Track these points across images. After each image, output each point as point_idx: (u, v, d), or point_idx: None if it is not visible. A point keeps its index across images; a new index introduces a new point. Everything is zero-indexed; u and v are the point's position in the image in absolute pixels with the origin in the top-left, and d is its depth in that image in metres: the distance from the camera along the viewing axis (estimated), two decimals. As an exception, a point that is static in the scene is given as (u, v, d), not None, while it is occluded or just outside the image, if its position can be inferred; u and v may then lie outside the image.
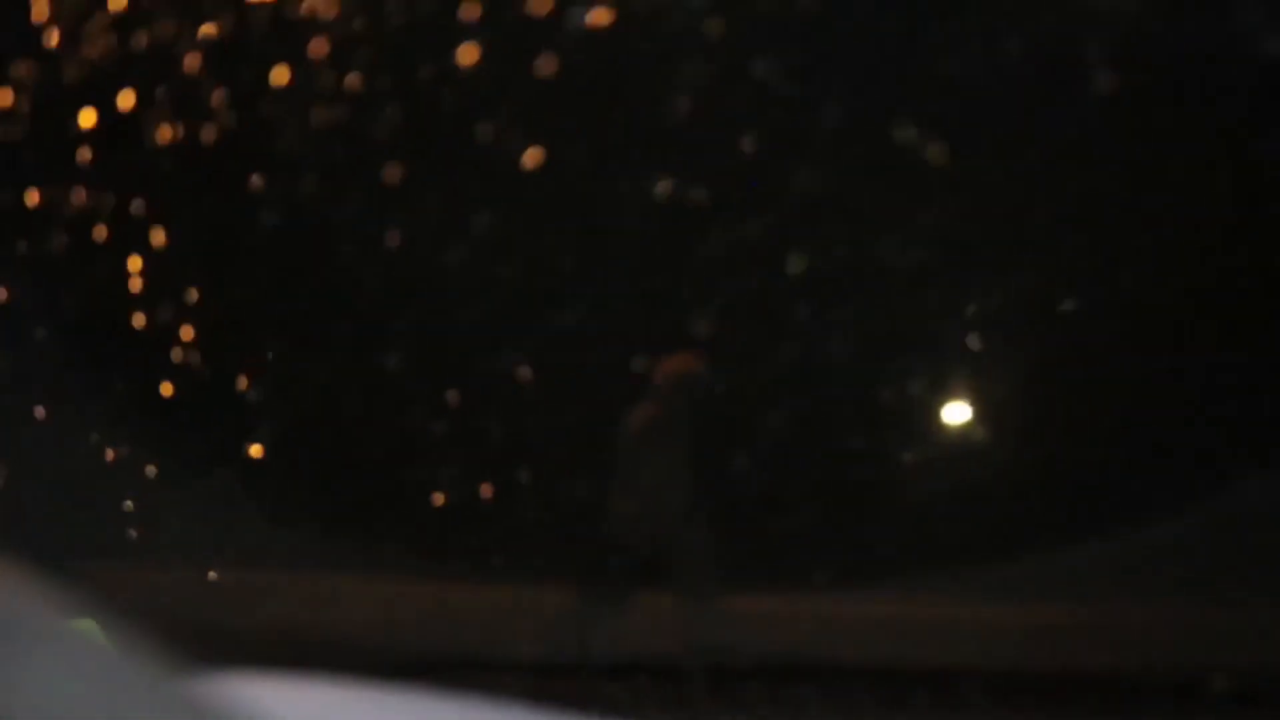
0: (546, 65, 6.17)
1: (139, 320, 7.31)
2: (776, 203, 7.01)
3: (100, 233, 7.09)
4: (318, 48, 5.72)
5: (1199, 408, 8.26)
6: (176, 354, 7.39)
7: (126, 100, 6.52)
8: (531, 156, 6.40)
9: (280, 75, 6.36)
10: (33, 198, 6.84)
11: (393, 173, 6.64)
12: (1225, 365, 8.09)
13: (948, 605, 7.40)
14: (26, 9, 6.08)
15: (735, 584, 7.07)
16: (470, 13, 6.01)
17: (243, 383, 7.81)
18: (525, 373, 7.67)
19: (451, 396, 7.43)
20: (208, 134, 6.92)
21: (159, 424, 7.99)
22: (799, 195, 6.78)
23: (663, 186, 6.87)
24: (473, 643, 6.08)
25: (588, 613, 6.30)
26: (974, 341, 8.80)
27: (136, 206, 7.02)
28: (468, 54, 6.27)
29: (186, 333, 7.42)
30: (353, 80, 6.27)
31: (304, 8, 5.89)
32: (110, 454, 8.04)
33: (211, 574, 7.85)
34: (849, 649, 6.15)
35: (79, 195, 6.89)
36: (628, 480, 6.64)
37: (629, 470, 6.73)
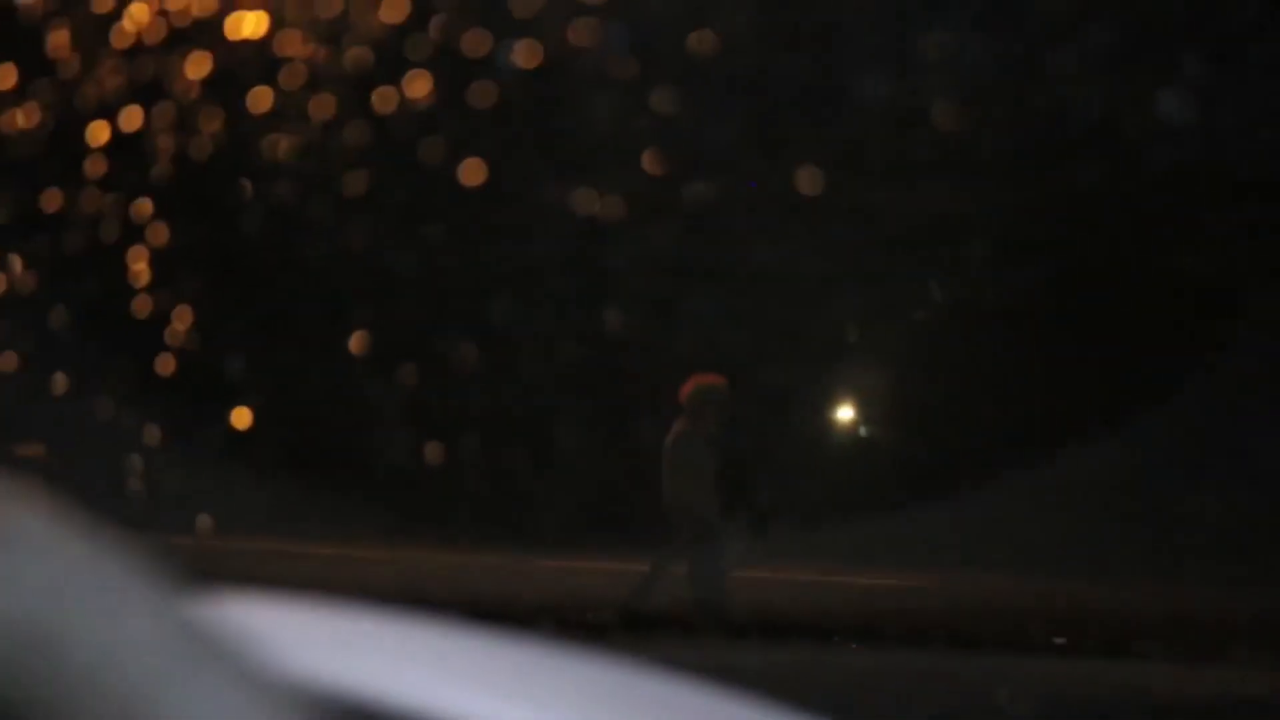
0: (483, 96, 7.30)
1: (134, 309, 8.30)
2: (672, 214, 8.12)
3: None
4: (289, 79, 6.73)
5: (1021, 399, 9.43)
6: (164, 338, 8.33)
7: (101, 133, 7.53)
8: (469, 172, 7.50)
9: (254, 103, 7.39)
10: (44, 203, 7.89)
11: (354, 186, 7.73)
12: (1046, 360, 9.22)
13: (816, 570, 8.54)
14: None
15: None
16: (420, 52, 7.15)
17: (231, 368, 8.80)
18: (467, 355, 8.74)
19: (404, 374, 8.40)
20: (190, 153, 7.87)
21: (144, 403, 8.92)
22: (694, 208, 7.88)
23: (579, 199, 7.95)
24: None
25: (652, 574, 6.98)
26: (843, 339, 9.90)
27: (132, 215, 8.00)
28: (418, 85, 7.39)
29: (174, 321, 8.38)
30: (316, 107, 7.32)
31: (279, 48, 6.92)
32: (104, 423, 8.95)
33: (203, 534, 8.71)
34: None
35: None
36: (675, 476, 7.08)
37: (674, 469, 7.09)
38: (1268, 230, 8.54)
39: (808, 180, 7.53)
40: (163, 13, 7.12)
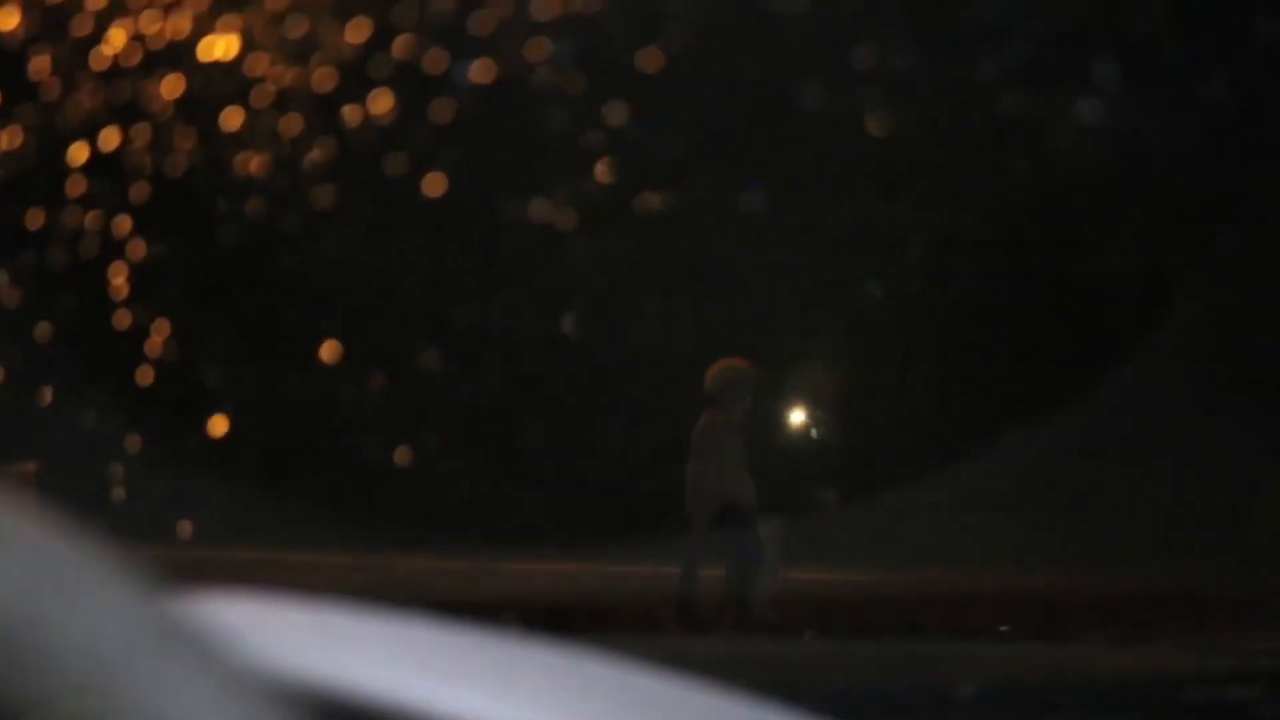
0: (443, 111, 7.61)
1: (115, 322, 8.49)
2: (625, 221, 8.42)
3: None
4: (258, 99, 7.05)
5: (954, 395, 9.81)
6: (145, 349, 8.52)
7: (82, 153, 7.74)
8: (432, 183, 7.80)
9: (227, 121, 7.66)
10: (27, 221, 8.13)
11: (322, 198, 8.02)
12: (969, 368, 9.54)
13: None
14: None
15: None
16: (382, 71, 7.45)
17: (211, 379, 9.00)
18: (434, 361, 9.01)
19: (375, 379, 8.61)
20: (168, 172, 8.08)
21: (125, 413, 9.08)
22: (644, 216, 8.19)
23: (535, 209, 8.27)
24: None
25: (687, 563, 6.89)
26: (783, 339, 10.21)
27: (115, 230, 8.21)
28: (381, 101, 7.69)
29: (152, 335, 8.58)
30: (285, 123, 7.61)
31: (250, 69, 7.19)
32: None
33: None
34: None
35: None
36: (702, 466, 6.95)
37: (701, 458, 6.96)
38: (1190, 226, 8.93)
39: (755, 188, 7.94)
40: (138, 37, 7.41)
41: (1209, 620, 6.65)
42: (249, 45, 7.68)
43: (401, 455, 9.14)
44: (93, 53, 7.78)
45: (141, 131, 7.91)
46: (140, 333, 9.04)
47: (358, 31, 7.53)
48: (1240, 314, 9.53)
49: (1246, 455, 9.38)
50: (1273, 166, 8.91)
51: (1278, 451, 9.34)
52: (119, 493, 9.81)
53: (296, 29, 7.61)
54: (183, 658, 0.70)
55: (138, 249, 8.62)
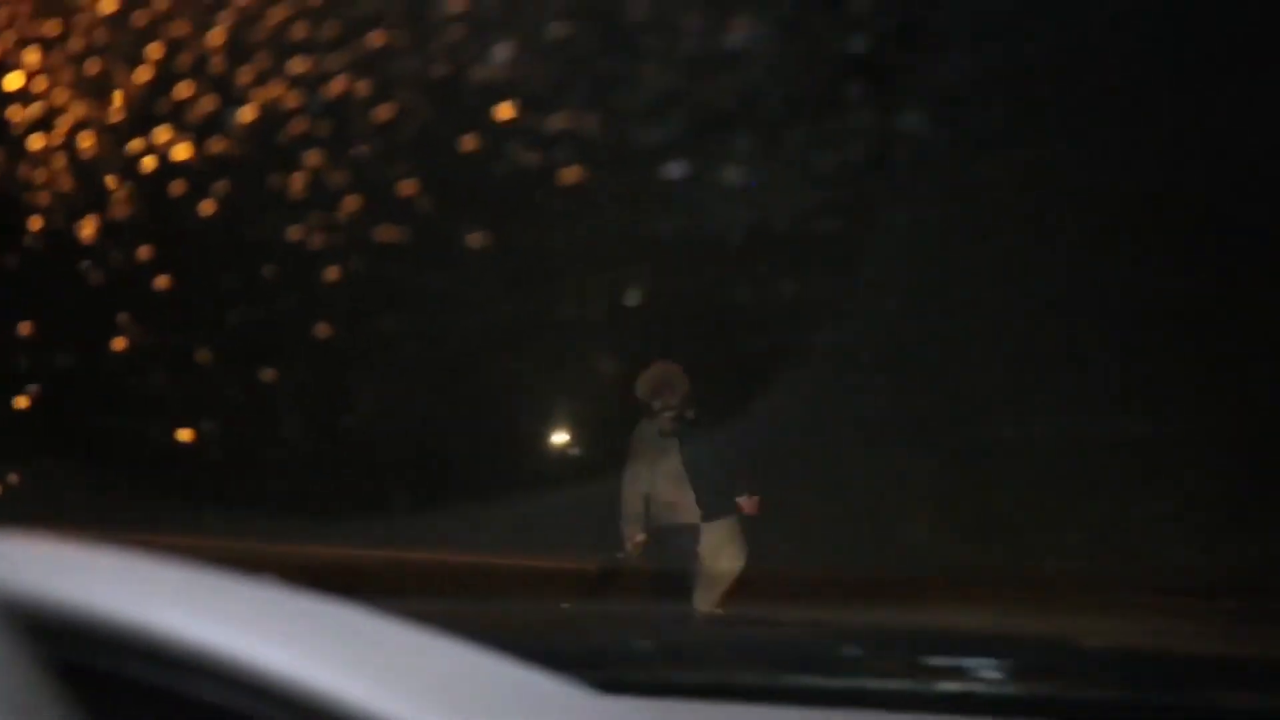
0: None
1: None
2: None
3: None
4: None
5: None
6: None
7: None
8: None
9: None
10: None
11: (118, 209, 8.51)
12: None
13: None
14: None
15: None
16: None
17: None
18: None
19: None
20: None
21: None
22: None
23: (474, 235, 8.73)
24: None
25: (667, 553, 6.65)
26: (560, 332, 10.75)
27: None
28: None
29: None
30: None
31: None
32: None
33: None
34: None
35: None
36: (636, 476, 6.64)
37: (634, 468, 6.64)
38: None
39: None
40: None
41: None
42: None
43: (187, 434, 9.74)
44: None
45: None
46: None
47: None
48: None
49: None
50: None
51: None
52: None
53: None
54: None
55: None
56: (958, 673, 1.96)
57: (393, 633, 1.34)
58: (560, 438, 11.99)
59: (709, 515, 6.69)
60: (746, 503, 6.52)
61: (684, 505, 6.64)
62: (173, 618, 1.21)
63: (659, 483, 6.67)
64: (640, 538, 6.72)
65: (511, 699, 1.37)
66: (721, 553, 6.68)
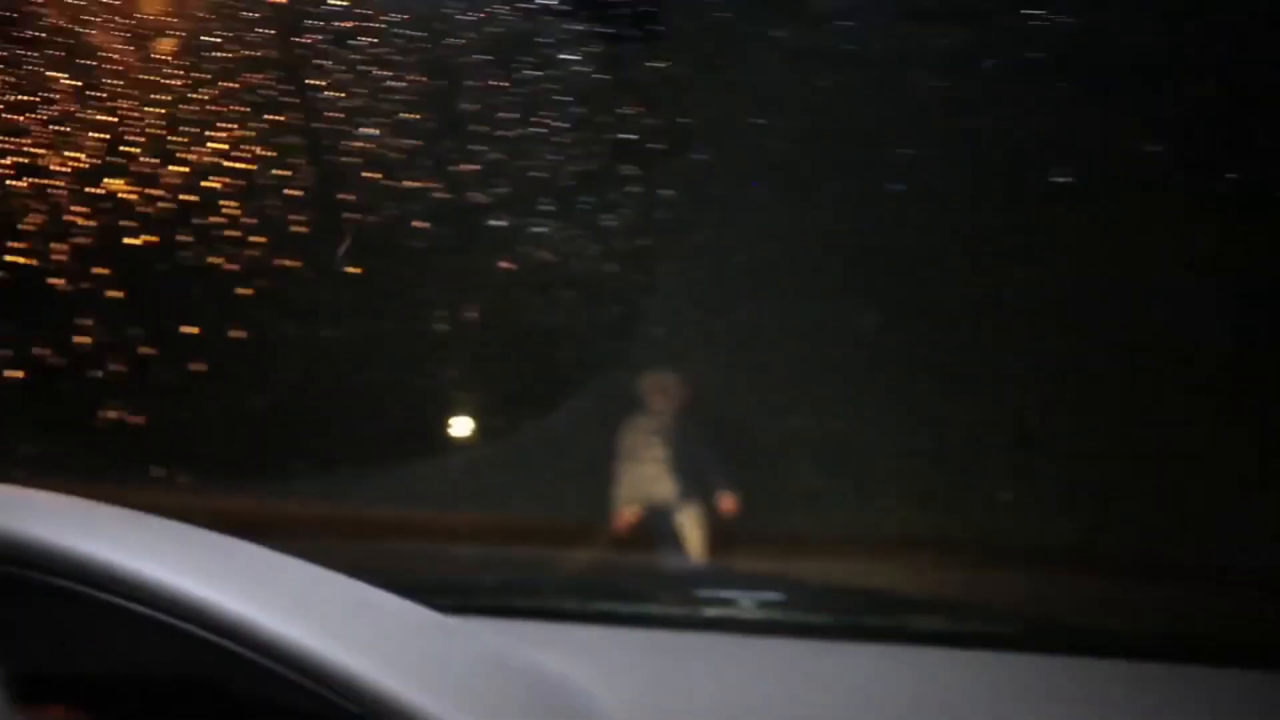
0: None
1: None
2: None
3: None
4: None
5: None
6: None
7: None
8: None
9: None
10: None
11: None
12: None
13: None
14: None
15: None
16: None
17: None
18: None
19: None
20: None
21: None
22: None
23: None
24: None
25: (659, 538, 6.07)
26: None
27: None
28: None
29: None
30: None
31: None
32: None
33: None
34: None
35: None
36: (620, 465, 6.58)
37: (623, 462, 6.64)
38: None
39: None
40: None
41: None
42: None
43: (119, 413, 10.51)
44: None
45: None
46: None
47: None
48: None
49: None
50: None
51: None
52: None
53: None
54: None
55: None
56: (720, 602, 2.38)
57: (278, 561, 1.53)
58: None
59: (683, 503, 7.19)
60: (725, 500, 6.80)
61: (666, 496, 7.11)
62: (97, 545, 1.36)
63: (644, 474, 7.20)
64: (632, 512, 7.07)
65: (372, 617, 1.58)
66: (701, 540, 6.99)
